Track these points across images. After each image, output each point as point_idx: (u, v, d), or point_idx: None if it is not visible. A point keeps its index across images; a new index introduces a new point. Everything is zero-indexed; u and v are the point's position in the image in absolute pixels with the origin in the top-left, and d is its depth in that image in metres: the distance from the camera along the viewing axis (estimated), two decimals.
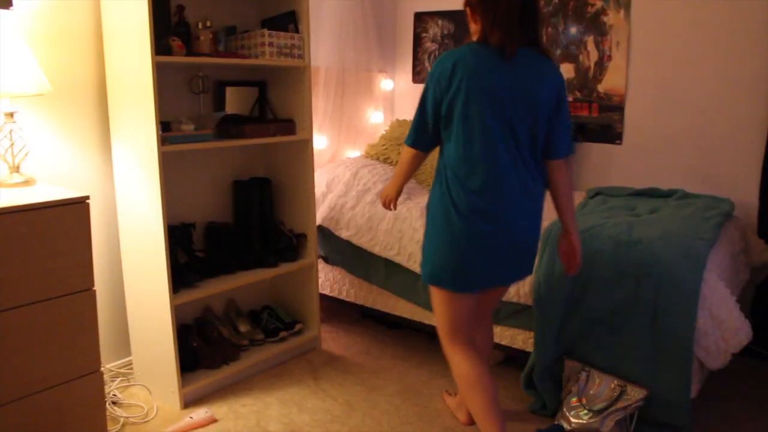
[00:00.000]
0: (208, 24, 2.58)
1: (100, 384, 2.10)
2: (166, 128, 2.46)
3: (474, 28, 1.98)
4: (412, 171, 2.21)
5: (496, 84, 1.90)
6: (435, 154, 2.15)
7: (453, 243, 2.00)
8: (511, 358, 2.84)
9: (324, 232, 3.13)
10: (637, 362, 2.23)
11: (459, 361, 2.12)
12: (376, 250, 2.94)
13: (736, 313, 2.17)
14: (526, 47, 1.92)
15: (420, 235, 2.72)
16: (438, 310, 2.15)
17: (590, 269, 2.31)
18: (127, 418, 2.41)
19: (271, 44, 2.68)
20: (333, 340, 3.18)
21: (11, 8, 2.21)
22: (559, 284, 2.35)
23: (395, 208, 2.35)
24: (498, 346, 2.71)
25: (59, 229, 1.92)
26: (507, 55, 1.88)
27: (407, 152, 2.15)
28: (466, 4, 1.97)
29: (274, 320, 3.00)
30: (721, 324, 2.16)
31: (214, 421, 2.42)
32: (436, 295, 2.13)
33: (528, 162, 1.98)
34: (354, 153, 3.87)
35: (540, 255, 2.43)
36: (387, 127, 3.84)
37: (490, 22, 1.90)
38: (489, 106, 1.90)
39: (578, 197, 3.16)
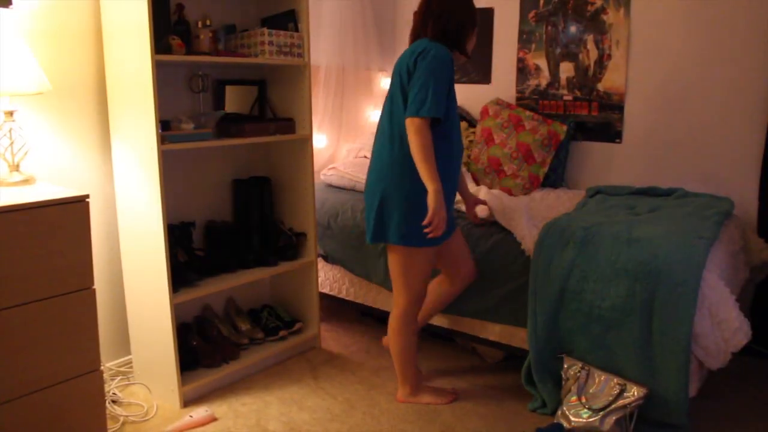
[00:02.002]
0: (208, 23, 2.58)
1: (100, 383, 2.10)
2: (165, 127, 2.46)
3: None
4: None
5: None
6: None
7: None
8: (511, 356, 2.84)
9: (323, 225, 3.12)
10: (636, 360, 2.23)
11: None
12: None
13: (735, 312, 2.17)
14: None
15: None
16: None
17: (589, 267, 2.31)
18: (127, 416, 2.41)
19: (270, 43, 2.68)
20: (333, 338, 3.19)
21: (11, 7, 2.21)
22: (555, 276, 2.35)
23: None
24: (498, 345, 2.71)
25: (59, 228, 1.92)
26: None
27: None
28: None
29: (274, 319, 3.01)
30: (720, 323, 2.15)
31: (214, 419, 2.42)
32: None
33: (392, 125, 2.29)
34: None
35: (538, 248, 2.44)
36: None
37: None
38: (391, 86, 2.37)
39: (578, 196, 3.16)
